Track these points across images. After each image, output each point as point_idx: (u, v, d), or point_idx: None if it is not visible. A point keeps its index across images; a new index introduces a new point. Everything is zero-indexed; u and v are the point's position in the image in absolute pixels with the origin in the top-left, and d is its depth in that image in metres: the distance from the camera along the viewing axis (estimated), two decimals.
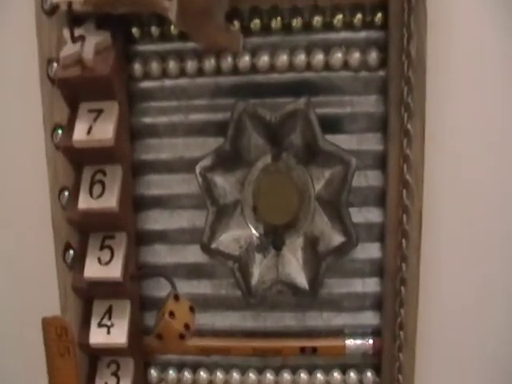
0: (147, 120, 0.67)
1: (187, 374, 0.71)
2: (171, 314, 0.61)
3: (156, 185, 0.68)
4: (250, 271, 0.65)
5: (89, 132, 0.62)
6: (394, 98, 0.62)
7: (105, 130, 0.62)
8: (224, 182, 0.65)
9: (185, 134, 0.66)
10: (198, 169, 0.63)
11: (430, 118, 0.62)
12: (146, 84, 0.66)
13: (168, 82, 0.66)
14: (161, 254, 0.69)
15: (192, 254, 0.68)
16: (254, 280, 0.65)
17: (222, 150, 0.64)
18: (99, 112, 0.63)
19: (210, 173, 0.64)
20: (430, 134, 0.63)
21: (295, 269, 0.65)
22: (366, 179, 0.66)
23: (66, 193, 0.68)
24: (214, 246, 0.65)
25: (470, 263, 0.69)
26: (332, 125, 0.64)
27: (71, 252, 0.69)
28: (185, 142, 0.67)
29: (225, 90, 0.65)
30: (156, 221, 0.68)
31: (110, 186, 0.64)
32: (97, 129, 0.62)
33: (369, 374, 0.69)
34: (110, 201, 0.63)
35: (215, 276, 0.69)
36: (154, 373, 0.71)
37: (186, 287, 0.67)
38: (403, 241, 0.63)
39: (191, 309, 0.63)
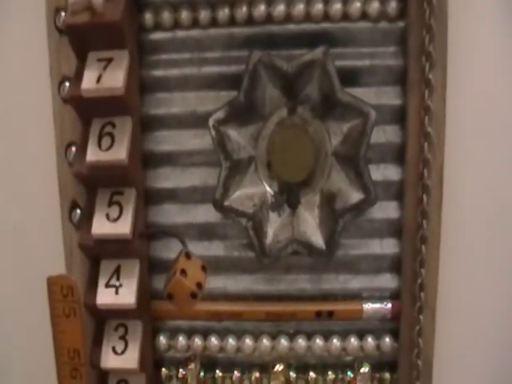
0: (158, 73, 0.65)
1: (197, 341, 0.68)
2: (183, 271, 0.59)
3: (166, 141, 0.65)
4: (263, 230, 0.63)
5: (98, 80, 0.60)
6: (415, 47, 0.60)
7: (115, 79, 0.59)
8: (238, 136, 0.62)
9: (197, 88, 0.64)
10: (211, 121, 0.61)
11: (452, 68, 0.60)
12: (157, 35, 0.64)
13: (180, 33, 0.64)
14: (170, 214, 0.66)
15: (203, 214, 0.66)
16: (269, 239, 0.63)
17: (236, 103, 0.61)
18: (109, 61, 0.61)
19: (223, 126, 0.61)
20: (451, 85, 0.61)
21: (311, 227, 0.63)
22: (385, 135, 0.64)
23: (74, 148, 0.66)
24: (226, 203, 0.63)
25: (493, 220, 0.66)
26: (349, 78, 0.62)
27: (78, 211, 0.67)
28: (197, 95, 0.64)
29: (239, 42, 0.63)
30: (166, 178, 0.66)
31: (120, 137, 0.62)
32: (106, 77, 0.60)
33: (387, 339, 0.67)
34: (119, 153, 0.61)
35: (227, 237, 0.66)
36: (162, 339, 0.69)
37: (196, 248, 0.63)
38: (424, 196, 0.61)
39: (203, 268, 0.61)
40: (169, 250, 0.65)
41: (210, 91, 0.64)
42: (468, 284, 0.68)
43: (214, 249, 0.66)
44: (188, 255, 0.61)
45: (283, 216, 0.63)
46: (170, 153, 0.65)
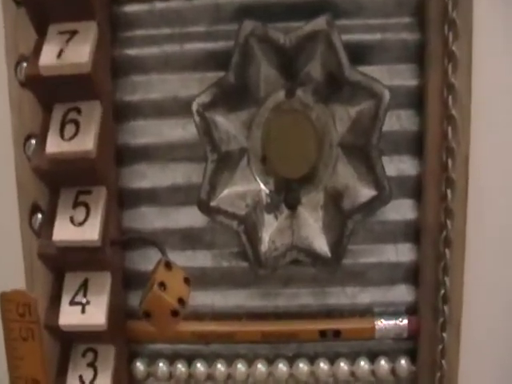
0: (133, 52, 0.57)
1: (181, 367, 0.60)
2: (162, 285, 0.51)
3: (144, 132, 0.58)
4: (258, 235, 0.56)
5: (59, 55, 0.50)
6: (435, 15, 0.53)
7: (79, 53, 0.50)
8: (227, 124, 0.55)
9: (179, 69, 0.57)
10: (194, 106, 0.53)
11: (478, 40, 0.53)
12: (132, 7, 0.56)
13: (158, 5, 0.56)
14: (149, 218, 0.59)
15: (187, 217, 0.58)
16: (264, 246, 0.56)
17: (225, 83, 0.53)
18: (73, 33, 0.51)
19: (209, 111, 0.54)
20: (477, 60, 0.53)
21: (314, 232, 0.56)
22: (399, 121, 0.56)
23: (34, 141, 0.56)
24: (214, 203, 0.55)
25: None
26: (356, 55, 0.55)
27: (39, 216, 0.57)
28: (179, 77, 0.57)
29: (228, 13, 0.55)
30: (143, 176, 0.59)
31: (86, 125, 0.52)
32: (69, 52, 0.50)
33: (402, 361, 0.59)
34: (85, 143, 0.51)
35: (215, 244, 0.59)
36: (140, 366, 0.61)
37: (179, 258, 0.56)
38: (448, 192, 0.54)
39: (186, 280, 0.53)
40: (147, 260, 0.58)
41: (194, 72, 0.57)
42: (496, 295, 0.61)
43: (200, 258, 0.59)
44: (168, 265, 0.53)
45: (281, 218, 0.56)
46: (147, 146, 0.58)
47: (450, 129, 0.53)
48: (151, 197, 0.59)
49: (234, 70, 0.53)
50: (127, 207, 0.59)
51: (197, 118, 0.53)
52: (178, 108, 0.57)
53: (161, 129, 0.58)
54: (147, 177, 0.59)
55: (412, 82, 0.56)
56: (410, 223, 0.58)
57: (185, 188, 0.58)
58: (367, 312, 0.59)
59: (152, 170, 0.58)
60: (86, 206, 0.54)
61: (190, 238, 0.59)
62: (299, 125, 0.55)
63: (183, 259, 0.58)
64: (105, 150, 0.54)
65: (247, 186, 0.56)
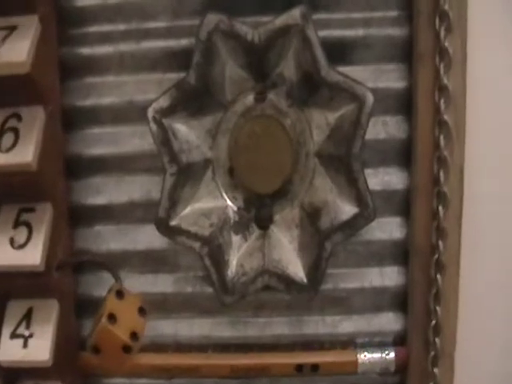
0: (84, 50, 0.53)
1: None
2: (111, 317, 0.46)
3: (97, 141, 0.54)
4: (224, 258, 0.52)
5: None
6: (425, 7, 0.49)
7: (17, 51, 0.45)
8: (188, 132, 0.51)
9: (136, 69, 0.53)
10: (150, 112, 0.49)
11: (473, 35, 0.49)
12: (83, 0, 0.52)
13: None
14: (104, 238, 0.55)
15: (146, 237, 0.55)
16: (231, 271, 0.52)
17: (185, 86, 0.49)
18: (11, 29, 0.46)
19: (167, 117, 0.50)
20: (472, 58, 0.49)
21: (288, 254, 0.52)
22: (385, 128, 0.52)
23: None
24: (174, 222, 0.51)
25: None
26: (337, 53, 0.51)
27: None
28: (136, 80, 0.53)
29: (191, 7, 0.52)
30: (97, 191, 0.55)
31: (26, 134, 0.47)
32: (6, 50, 0.45)
33: None
34: (24, 154, 0.46)
35: (178, 267, 0.55)
36: None
37: (138, 283, 0.54)
38: (440, 208, 0.50)
39: (141, 310, 0.48)
40: (103, 284, 0.53)
41: (152, 73, 0.53)
42: (493, 326, 0.57)
43: (161, 283, 0.56)
44: (120, 294, 0.48)
45: (251, 239, 0.53)
46: (101, 157, 0.54)
47: (442, 136, 0.49)
48: (106, 214, 0.55)
49: (196, 70, 0.49)
50: (79, 225, 0.55)
51: (153, 126, 0.49)
52: (134, 114, 0.53)
53: (116, 137, 0.54)
54: (101, 191, 0.55)
55: (399, 84, 0.52)
56: (398, 243, 0.54)
57: (144, 204, 0.54)
58: (349, 343, 0.56)
59: (107, 184, 0.55)
60: (28, 225, 0.49)
61: (149, 260, 0.56)
62: (271, 132, 0.51)
63: (142, 283, 0.55)
64: (50, 161, 0.50)
65: (212, 203, 0.52)
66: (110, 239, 0.55)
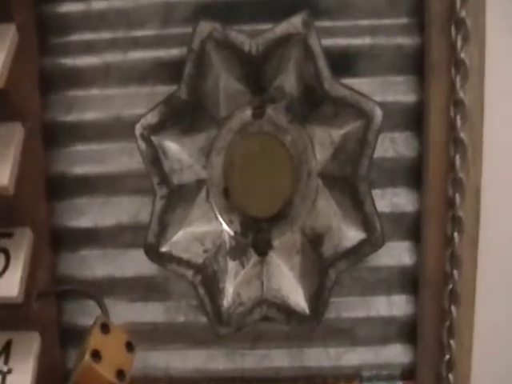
0: (67, 61, 0.50)
1: None
2: (95, 353, 0.43)
3: (82, 159, 0.52)
4: (219, 287, 0.49)
5: None
6: (439, 14, 0.46)
7: None
8: (179, 150, 0.48)
9: (123, 82, 0.50)
10: (138, 129, 0.47)
11: (492, 45, 0.45)
12: (65, 7, 0.50)
13: (97, 4, 0.49)
14: (90, 263, 0.53)
15: (135, 263, 0.52)
16: (227, 300, 0.49)
17: (176, 100, 0.47)
18: None
19: (157, 135, 0.47)
20: (490, 68, 0.46)
21: (288, 282, 0.49)
22: (394, 145, 0.50)
23: None
24: (164, 249, 0.48)
25: None
26: (342, 64, 0.49)
27: None
28: (123, 93, 0.51)
29: (182, 13, 0.49)
30: (82, 213, 0.52)
31: (2, 154, 0.44)
32: None
33: None
34: None
35: (169, 295, 0.53)
36: None
37: (125, 312, 0.52)
38: (455, 234, 0.46)
39: (128, 345, 0.45)
40: (88, 313, 0.51)
41: (141, 86, 0.50)
42: (509, 361, 0.52)
43: (151, 312, 0.53)
44: (105, 327, 0.45)
45: (248, 266, 0.50)
46: (86, 176, 0.52)
47: (457, 156, 0.46)
48: (92, 237, 0.53)
49: (187, 83, 0.46)
50: (62, 250, 0.53)
51: (141, 144, 0.47)
52: (121, 130, 0.50)
53: (102, 155, 0.51)
54: (86, 213, 0.52)
55: (409, 98, 0.50)
56: (407, 270, 0.52)
57: (132, 227, 0.52)
58: (354, 377, 0.54)
59: (92, 206, 0.52)
60: (6, 252, 0.47)
61: (138, 288, 0.53)
62: (270, 151, 0.48)
63: (131, 312, 0.53)
64: (29, 182, 0.48)
65: (206, 227, 0.50)
66: (95, 265, 0.52)
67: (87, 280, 0.52)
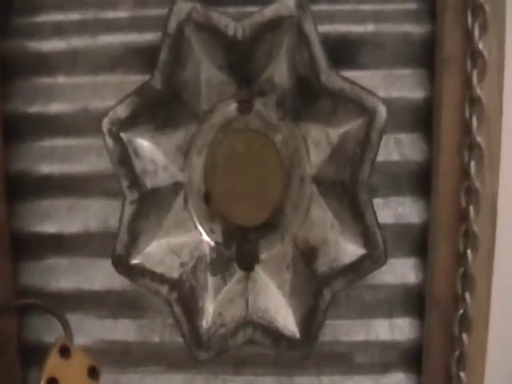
0: (30, 45, 0.46)
1: None
2: (52, 381, 0.38)
3: (45, 157, 0.47)
4: (198, 305, 0.44)
5: None
6: None
7: None
8: (153, 149, 0.43)
9: (92, 69, 0.46)
10: (105, 123, 0.41)
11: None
12: None
13: None
14: (53, 273, 0.49)
15: (104, 274, 0.48)
16: (207, 321, 0.44)
17: (149, 91, 0.42)
18: None
19: (127, 131, 0.42)
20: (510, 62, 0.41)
21: (276, 302, 0.45)
22: (399, 148, 0.45)
23: None
24: (135, 261, 0.43)
25: None
26: (341, 53, 0.45)
27: None
28: (92, 82, 0.46)
29: None
30: (46, 217, 0.48)
31: None
32: None
33: None
34: None
35: (142, 311, 0.48)
36: None
37: (93, 329, 0.48)
38: (468, 252, 0.41)
39: (92, 371, 0.40)
40: (53, 328, 0.45)
41: (111, 74, 0.46)
42: None
43: (122, 330, 0.49)
44: (65, 350, 0.39)
45: (231, 282, 0.46)
46: (50, 176, 0.47)
47: (472, 161, 0.41)
48: (57, 245, 0.48)
49: (162, 71, 0.41)
50: (24, 258, 0.48)
51: (109, 141, 0.41)
52: (90, 124, 0.46)
53: (68, 153, 0.47)
54: (51, 217, 0.48)
55: (417, 94, 0.45)
56: (411, 290, 0.47)
57: (101, 234, 0.47)
58: None
59: (57, 209, 0.47)
60: None
61: (109, 303, 0.49)
62: (257, 151, 0.43)
63: (99, 330, 0.48)
64: None
65: (184, 237, 0.45)
66: (60, 275, 0.48)
67: (51, 292, 0.47)
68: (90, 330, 0.47)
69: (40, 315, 0.49)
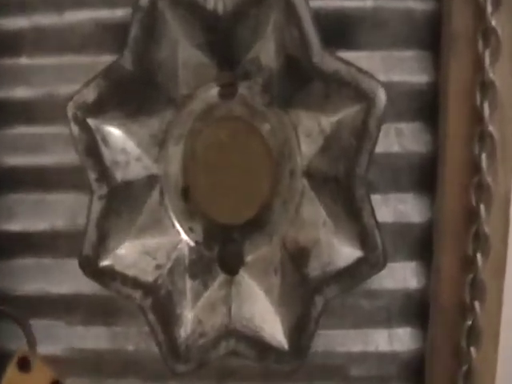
0: None
1: None
2: None
3: (7, 147, 0.43)
4: (176, 313, 0.41)
5: None
6: None
7: None
8: (124, 138, 0.39)
9: (58, 50, 0.42)
10: (70, 108, 0.38)
11: None
12: None
13: None
14: (18, 275, 0.45)
15: (74, 277, 0.43)
16: (185, 330, 0.41)
17: (119, 72, 0.38)
18: None
19: (95, 117, 0.38)
20: None
21: (263, 309, 0.41)
22: (400, 139, 0.41)
23: None
24: (105, 263, 0.40)
25: None
26: (336, 32, 0.41)
27: None
28: (58, 63, 0.42)
29: None
30: (10, 214, 0.44)
31: None
32: None
33: None
34: None
35: (116, 317, 0.45)
36: None
37: (62, 336, 0.44)
38: (478, 255, 0.37)
39: None
40: (20, 336, 0.42)
41: (80, 55, 0.42)
42: None
43: (94, 338, 0.45)
44: (24, 362, 0.38)
45: (213, 287, 0.42)
46: (14, 169, 0.44)
47: (483, 154, 0.37)
48: (21, 244, 0.44)
49: (133, 49, 0.37)
50: None
51: (74, 128, 0.38)
52: (57, 111, 0.41)
53: (33, 143, 0.43)
54: (16, 214, 0.44)
55: (420, 78, 0.41)
56: (413, 296, 0.43)
57: (70, 233, 0.43)
58: None
59: (22, 205, 0.44)
60: None
61: (79, 307, 0.45)
62: (242, 141, 0.40)
63: (69, 338, 0.45)
64: None
65: (159, 236, 0.41)
66: (26, 277, 0.44)
67: (17, 296, 0.44)
68: (59, 337, 0.44)
69: (7, 321, 0.44)
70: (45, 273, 0.44)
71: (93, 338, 0.45)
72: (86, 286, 0.43)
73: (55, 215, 0.44)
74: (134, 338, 0.45)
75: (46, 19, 0.41)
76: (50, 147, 0.43)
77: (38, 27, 0.41)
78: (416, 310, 0.43)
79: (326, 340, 0.44)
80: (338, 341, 0.44)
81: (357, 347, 0.44)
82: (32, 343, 0.38)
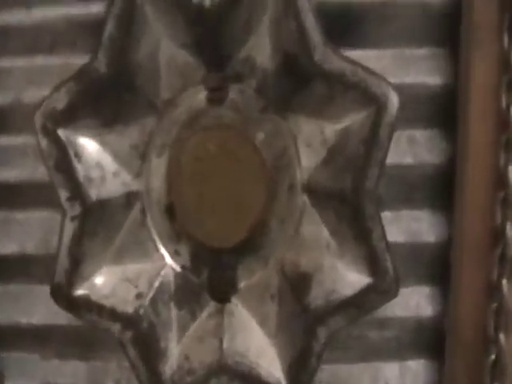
0: None
1: None
2: None
3: None
4: (160, 347, 0.38)
5: None
6: None
7: None
8: (100, 151, 0.37)
9: (26, 50, 0.39)
10: (39, 119, 0.36)
11: None
12: None
13: None
14: None
15: (47, 306, 0.40)
16: (171, 366, 0.37)
17: (92, 76, 0.36)
18: None
19: (66, 127, 0.35)
20: None
21: (258, 342, 0.38)
22: (413, 148, 0.38)
23: None
24: (79, 292, 0.37)
25: None
26: (341, 28, 0.37)
27: None
28: (26, 66, 0.39)
29: None
30: None
31: None
32: None
33: None
34: None
35: (95, 351, 0.41)
36: None
37: (36, 371, 0.41)
38: (503, 281, 0.34)
39: None
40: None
41: (50, 56, 0.39)
42: None
43: (70, 374, 0.41)
44: None
45: (201, 318, 0.38)
46: None
47: (511, 166, 0.34)
48: None
49: (108, 50, 0.35)
50: None
51: (43, 140, 0.35)
52: (25, 120, 0.39)
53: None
54: None
55: (436, 79, 0.38)
56: (427, 327, 0.39)
57: (42, 256, 0.40)
58: None
59: None
60: None
61: (53, 340, 0.41)
62: (233, 152, 0.37)
63: (43, 373, 0.41)
64: None
65: (141, 261, 0.37)
66: None
67: None
68: (32, 372, 0.41)
69: None
70: (13, 301, 0.41)
71: (69, 372, 0.41)
72: (60, 315, 0.40)
73: (25, 236, 0.40)
74: (113, 373, 0.41)
75: (12, 16, 0.39)
76: (17, 160, 0.40)
77: (3, 25, 0.39)
78: (430, 340, 0.40)
79: (330, 375, 0.40)
80: (344, 376, 0.41)
81: (364, 381, 0.41)
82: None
